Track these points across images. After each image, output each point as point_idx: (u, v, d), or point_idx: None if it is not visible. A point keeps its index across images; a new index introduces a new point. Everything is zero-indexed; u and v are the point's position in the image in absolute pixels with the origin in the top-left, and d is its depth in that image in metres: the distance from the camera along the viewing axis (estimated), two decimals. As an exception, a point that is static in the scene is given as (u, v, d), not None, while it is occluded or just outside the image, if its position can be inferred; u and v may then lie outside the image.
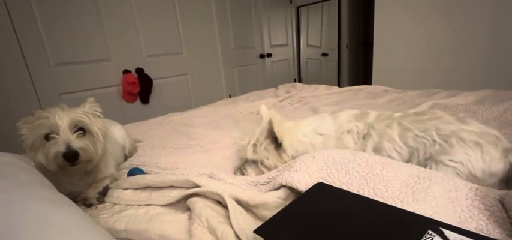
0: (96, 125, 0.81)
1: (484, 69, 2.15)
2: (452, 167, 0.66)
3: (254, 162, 0.90)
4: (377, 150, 0.80)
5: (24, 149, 0.76)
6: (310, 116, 1.02)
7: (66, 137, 0.72)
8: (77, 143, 0.73)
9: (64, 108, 0.76)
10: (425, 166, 0.70)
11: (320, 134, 0.90)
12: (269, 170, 0.87)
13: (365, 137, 0.84)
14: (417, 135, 0.75)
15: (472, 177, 0.65)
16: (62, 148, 0.71)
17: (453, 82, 2.26)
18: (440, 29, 2.30)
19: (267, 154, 0.89)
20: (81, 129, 0.77)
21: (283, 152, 0.88)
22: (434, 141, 0.72)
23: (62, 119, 0.73)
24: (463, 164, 0.66)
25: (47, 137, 0.72)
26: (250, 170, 0.90)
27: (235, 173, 0.94)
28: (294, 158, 0.87)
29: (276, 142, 0.88)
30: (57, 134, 0.72)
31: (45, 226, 0.44)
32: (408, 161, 0.76)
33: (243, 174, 0.90)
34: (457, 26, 2.21)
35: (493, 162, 0.65)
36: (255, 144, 0.90)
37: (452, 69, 2.31)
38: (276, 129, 0.86)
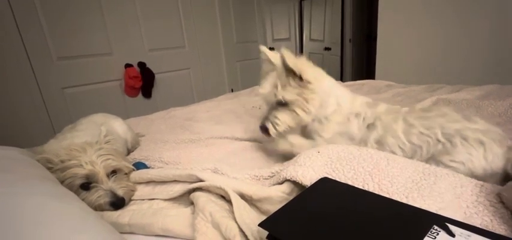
0: (122, 157, 0.82)
1: (490, 64, 2.13)
2: (452, 167, 0.66)
3: (284, 105, 0.85)
4: (380, 143, 0.79)
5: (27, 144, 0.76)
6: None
7: (108, 186, 0.72)
8: (120, 189, 0.73)
9: (85, 148, 0.75)
10: None
11: (337, 102, 0.88)
12: (304, 111, 0.84)
13: (369, 127, 0.83)
14: (421, 133, 0.74)
15: (473, 176, 0.64)
16: (108, 198, 0.71)
17: (458, 77, 2.24)
18: (445, 23, 2.27)
19: (299, 90, 0.83)
20: (114, 171, 0.77)
21: (308, 84, 0.83)
22: (438, 140, 0.71)
23: (98, 166, 0.72)
24: (464, 163, 0.66)
25: (84, 186, 0.71)
26: (282, 116, 0.85)
27: (262, 125, 0.89)
28: (318, 102, 0.84)
29: (299, 78, 0.83)
30: (96, 182, 0.72)
31: (51, 220, 0.44)
32: (411, 158, 0.75)
33: (272, 125, 0.86)
34: (463, 20, 2.18)
35: (495, 160, 0.65)
36: (283, 84, 0.84)
37: (457, 65, 2.29)
38: (290, 62, 0.79)
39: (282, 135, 0.89)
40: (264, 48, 0.92)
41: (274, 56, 0.89)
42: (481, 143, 0.67)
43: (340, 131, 0.87)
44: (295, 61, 0.81)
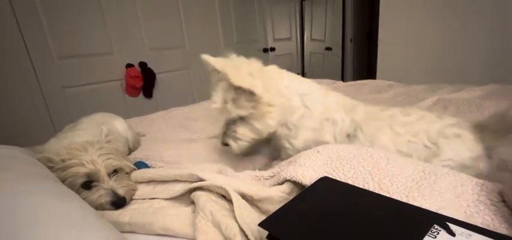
0: (123, 157, 0.82)
1: (489, 65, 2.12)
2: (444, 166, 0.66)
3: (242, 119, 0.78)
4: None
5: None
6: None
7: (109, 185, 0.72)
8: (121, 188, 0.73)
9: (86, 147, 0.75)
10: None
11: (303, 104, 0.80)
12: (262, 123, 0.78)
13: (350, 137, 0.79)
14: (410, 141, 0.73)
15: (464, 169, 0.66)
16: (109, 198, 0.71)
17: (458, 78, 2.23)
18: (447, 23, 2.27)
19: (252, 104, 0.76)
20: (115, 171, 0.77)
21: (260, 99, 0.74)
22: (426, 146, 0.72)
23: (99, 165, 0.72)
24: (452, 159, 0.68)
25: (85, 185, 0.71)
26: (242, 129, 0.79)
27: (222, 143, 0.83)
28: (276, 113, 0.77)
29: (250, 92, 0.74)
30: (97, 181, 0.72)
31: (51, 219, 0.44)
32: None
33: (233, 141, 0.81)
34: (464, 20, 2.18)
35: (473, 147, 0.69)
36: (234, 99, 0.76)
37: (458, 65, 2.28)
38: (235, 82, 0.70)
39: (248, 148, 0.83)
40: (206, 57, 0.80)
41: (220, 64, 0.78)
42: (458, 136, 0.70)
43: (313, 138, 0.81)
44: (241, 78, 0.72)
